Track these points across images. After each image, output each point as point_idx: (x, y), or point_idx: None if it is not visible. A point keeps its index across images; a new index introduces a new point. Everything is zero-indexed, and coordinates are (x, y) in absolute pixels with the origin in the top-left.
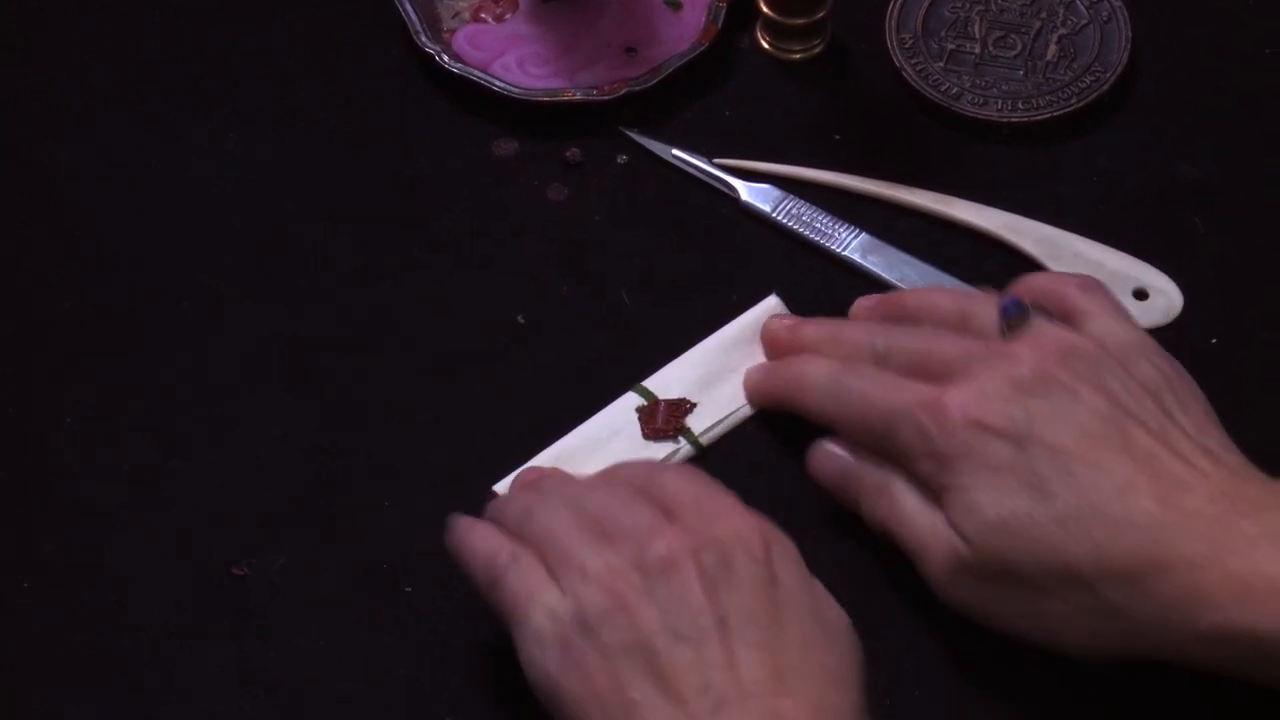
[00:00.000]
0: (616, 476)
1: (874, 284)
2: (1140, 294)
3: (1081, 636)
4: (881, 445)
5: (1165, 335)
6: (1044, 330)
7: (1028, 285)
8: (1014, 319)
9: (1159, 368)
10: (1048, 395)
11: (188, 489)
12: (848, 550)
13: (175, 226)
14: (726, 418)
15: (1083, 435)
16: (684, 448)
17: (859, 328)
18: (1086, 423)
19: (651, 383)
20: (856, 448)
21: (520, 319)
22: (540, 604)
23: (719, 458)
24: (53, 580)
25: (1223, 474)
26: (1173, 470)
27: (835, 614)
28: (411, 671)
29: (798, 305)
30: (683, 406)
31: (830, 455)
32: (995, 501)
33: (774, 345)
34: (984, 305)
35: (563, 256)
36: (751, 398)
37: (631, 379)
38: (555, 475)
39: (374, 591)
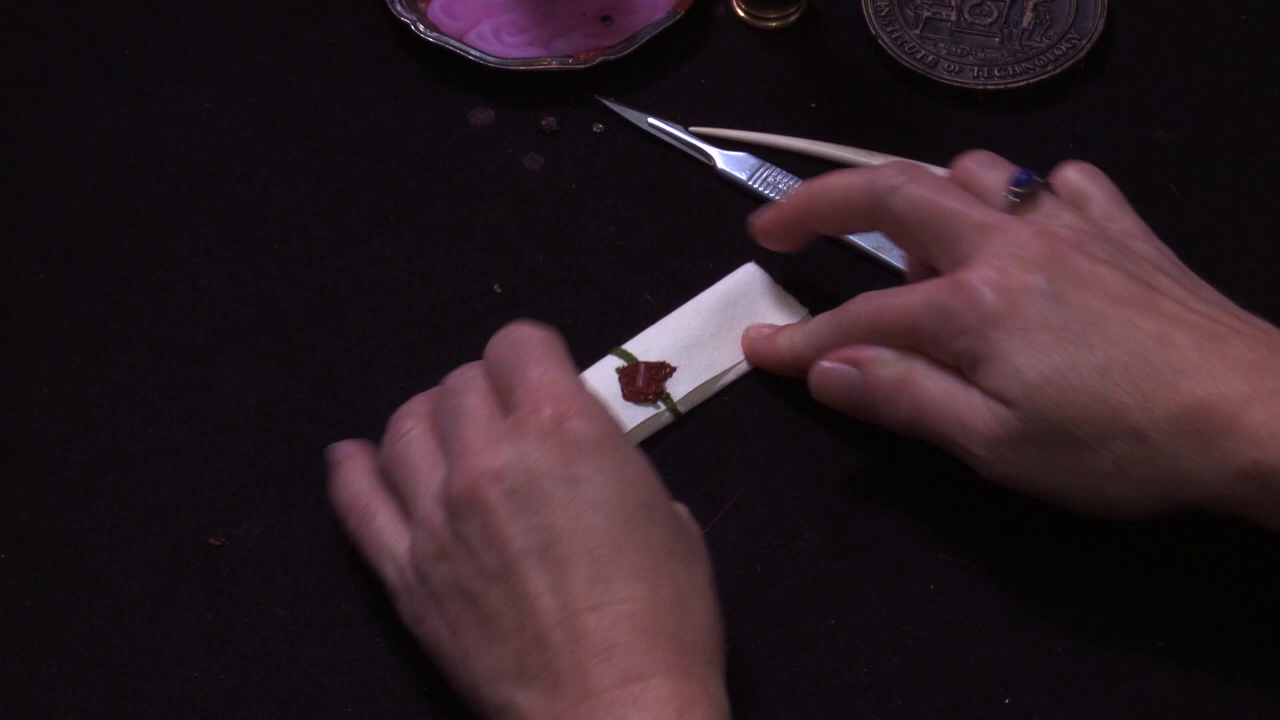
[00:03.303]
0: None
1: (849, 250)
2: None
3: (1127, 489)
4: (904, 344)
5: None
6: (1049, 214)
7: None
8: (1025, 189)
9: (1162, 251)
10: (1066, 265)
11: (163, 458)
12: (827, 509)
13: (150, 195)
14: (705, 384)
15: (1110, 296)
16: (663, 413)
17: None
18: (1111, 286)
19: (630, 346)
20: (860, 355)
21: (497, 288)
22: (388, 557)
23: (696, 424)
24: (28, 550)
25: (1253, 329)
26: (1204, 325)
27: (652, 497)
28: (387, 640)
29: (773, 272)
30: (663, 370)
31: (833, 372)
32: (1036, 360)
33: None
34: (992, 173)
35: (539, 225)
36: (754, 354)
37: (608, 348)
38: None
39: (350, 560)
